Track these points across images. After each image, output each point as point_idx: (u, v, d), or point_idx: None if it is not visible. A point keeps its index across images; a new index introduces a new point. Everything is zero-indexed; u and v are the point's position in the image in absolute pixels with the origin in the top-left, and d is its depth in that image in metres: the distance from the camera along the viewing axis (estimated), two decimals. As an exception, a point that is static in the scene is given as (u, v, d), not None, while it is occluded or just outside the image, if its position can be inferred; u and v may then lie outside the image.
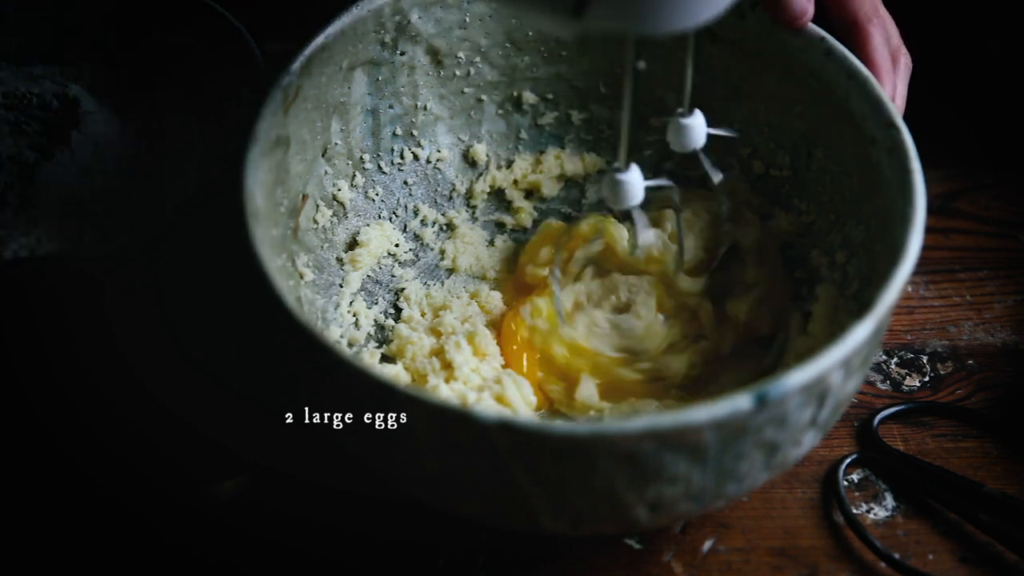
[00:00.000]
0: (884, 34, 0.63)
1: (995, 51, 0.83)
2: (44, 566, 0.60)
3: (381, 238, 0.70)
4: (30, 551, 0.60)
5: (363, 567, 0.60)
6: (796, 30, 0.63)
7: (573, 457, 0.48)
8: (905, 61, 0.63)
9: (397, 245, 0.71)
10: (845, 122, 0.62)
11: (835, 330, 0.61)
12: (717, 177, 0.64)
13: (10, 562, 0.60)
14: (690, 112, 0.61)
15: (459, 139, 0.74)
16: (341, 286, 0.68)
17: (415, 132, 0.72)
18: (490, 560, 0.60)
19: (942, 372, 0.70)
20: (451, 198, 0.73)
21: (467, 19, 0.70)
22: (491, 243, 0.74)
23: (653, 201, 0.68)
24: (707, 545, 0.61)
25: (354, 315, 0.68)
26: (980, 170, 0.81)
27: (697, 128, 0.61)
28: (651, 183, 0.60)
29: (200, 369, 0.65)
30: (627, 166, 0.58)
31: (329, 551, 0.60)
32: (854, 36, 0.63)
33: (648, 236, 0.68)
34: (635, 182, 0.58)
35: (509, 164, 0.74)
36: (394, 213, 0.72)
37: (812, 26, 0.63)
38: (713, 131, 0.62)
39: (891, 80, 0.62)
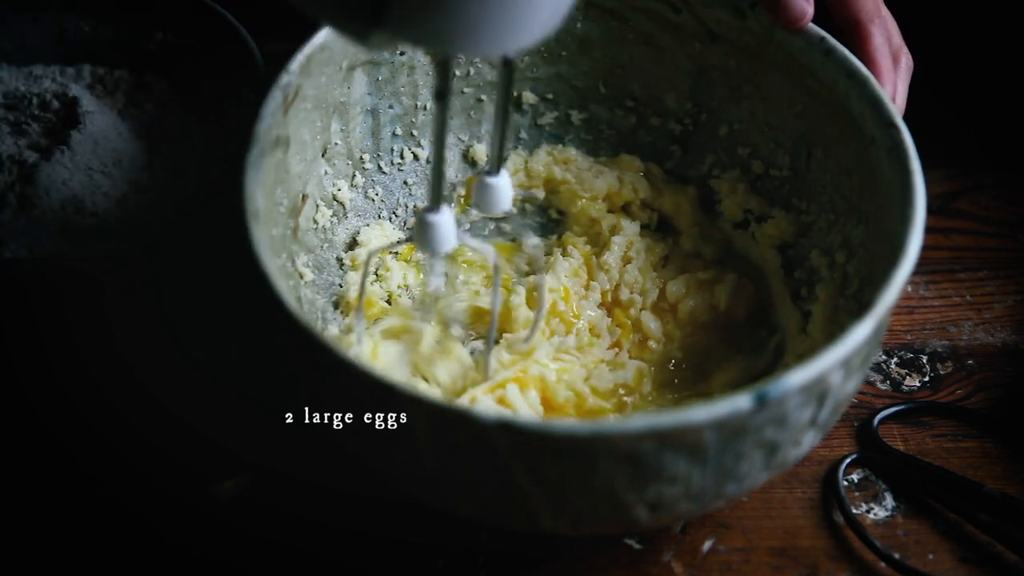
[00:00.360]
0: (885, 34, 0.63)
1: (995, 51, 0.83)
2: (44, 566, 0.60)
3: (381, 238, 0.70)
4: (30, 551, 0.60)
5: (363, 567, 0.60)
6: (796, 31, 0.63)
7: (573, 457, 0.48)
8: (906, 61, 0.63)
9: (399, 243, 0.71)
10: (845, 122, 0.62)
11: (835, 330, 0.61)
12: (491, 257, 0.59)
13: (10, 562, 0.60)
14: (496, 170, 0.54)
15: (459, 139, 0.74)
16: (341, 286, 0.68)
17: (415, 132, 0.72)
18: (490, 560, 0.60)
19: (942, 372, 0.70)
20: (451, 198, 0.74)
21: (467, 19, 0.69)
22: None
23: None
24: (707, 545, 0.61)
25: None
26: (980, 170, 0.81)
27: (502, 189, 0.54)
28: (472, 244, 0.56)
29: (200, 369, 0.65)
30: (438, 207, 0.53)
31: (329, 551, 0.60)
32: (855, 36, 0.63)
33: (439, 284, 0.63)
34: (448, 224, 0.52)
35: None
36: (394, 213, 0.72)
37: (812, 26, 0.63)
38: (521, 192, 0.57)
39: (892, 80, 0.62)
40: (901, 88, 0.62)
